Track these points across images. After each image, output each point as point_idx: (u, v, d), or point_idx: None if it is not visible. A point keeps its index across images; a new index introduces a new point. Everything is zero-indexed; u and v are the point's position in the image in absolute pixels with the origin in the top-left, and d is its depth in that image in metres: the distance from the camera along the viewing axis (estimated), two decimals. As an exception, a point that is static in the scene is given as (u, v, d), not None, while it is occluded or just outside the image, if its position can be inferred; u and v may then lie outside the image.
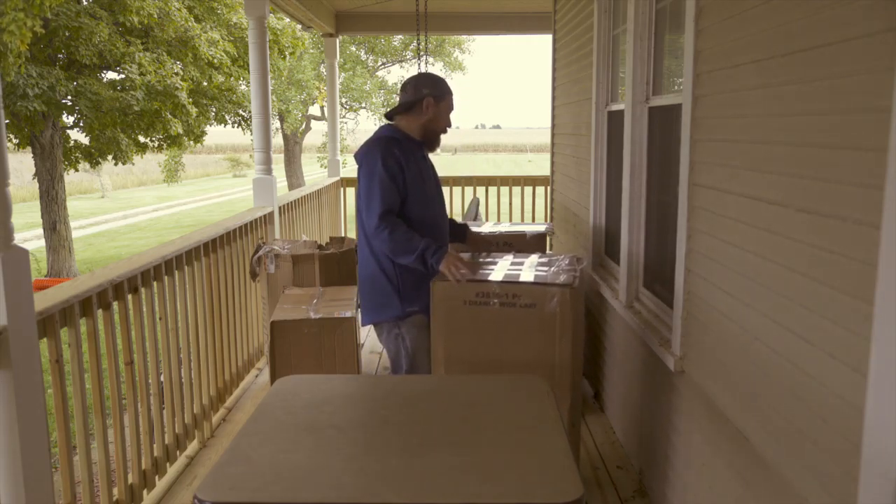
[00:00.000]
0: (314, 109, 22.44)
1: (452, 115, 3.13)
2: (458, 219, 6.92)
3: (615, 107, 3.85)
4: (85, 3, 10.96)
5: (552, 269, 2.99)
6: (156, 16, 10.85)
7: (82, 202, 25.73)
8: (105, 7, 10.88)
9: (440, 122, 3.05)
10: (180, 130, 11.65)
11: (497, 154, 67.30)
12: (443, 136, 3.13)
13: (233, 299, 4.26)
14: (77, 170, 13.09)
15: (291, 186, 21.67)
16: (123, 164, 12.28)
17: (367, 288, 3.04)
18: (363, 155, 2.97)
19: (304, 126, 22.56)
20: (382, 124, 3.11)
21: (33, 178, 12.09)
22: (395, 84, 23.74)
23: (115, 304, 2.85)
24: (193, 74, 11.97)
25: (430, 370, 2.99)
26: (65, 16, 10.13)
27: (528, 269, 3.02)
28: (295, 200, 6.04)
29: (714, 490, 2.31)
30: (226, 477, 1.56)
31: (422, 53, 6.36)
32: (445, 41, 22.74)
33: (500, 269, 3.04)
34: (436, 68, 23.36)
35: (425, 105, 3.00)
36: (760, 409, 1.94)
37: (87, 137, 11.71)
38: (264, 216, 5.07)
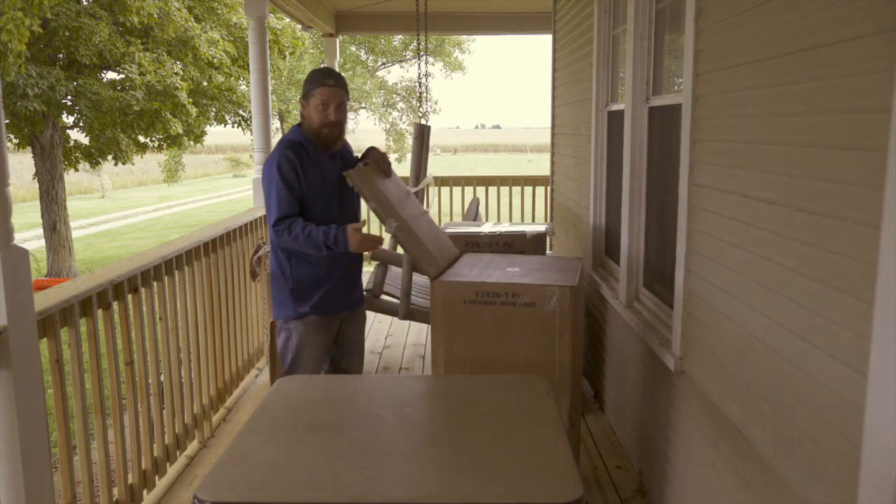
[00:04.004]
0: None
1: (345, 109, 2.94)
2: (459, 219, 6.91)
3: (615, 107, 3.86)
4: (85, 3, 10.96)
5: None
6: (156, 16, 10.85)
7: (82, 202, 25.73)
8: (105, 7, 10.89)
9: (313, 120, 2.92)
10: (180, 130, 11.66)
11: (497, 154, 67.31)
12: (329, 131, 2.91)
13: (233, 299, 4.25)
14: (77, 170, 13.10)
15: (291, 186, 21.63)
16: (123, 164, 12.29)
17: (273, 284, 3.08)
18: (268, 157, 2.99)
19: (304, 126, 22.54)
20: (295, 124, 3.09)
21: (33, 178, 12.10)
22: (395, 84, 23.76)
23: (115, 304, 2.84)
24: (193, 74, 11.97)
25: (313, 368, 3.03)
26: (65, 16, 10.13)
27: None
28: (295, 200, 6.02)
29: (714, 490, 2.31)
30: (226, 477, 1.56)
31: (422, 53, 6.35)
32: (445, 41, 22.75)
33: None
34: (436, 68, 23.38)
35: (301, 107, 2.97)
36: (760, 409, 1.94)
37: (87, 137, 11.72)
38: (264, 216, 5.07)
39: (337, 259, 2.96)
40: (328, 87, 2.89)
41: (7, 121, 10.34)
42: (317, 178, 2.92)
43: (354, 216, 3.09)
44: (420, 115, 6.36)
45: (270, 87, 5.01)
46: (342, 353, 3.21)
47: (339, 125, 2.95)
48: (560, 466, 1.58)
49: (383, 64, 24.05)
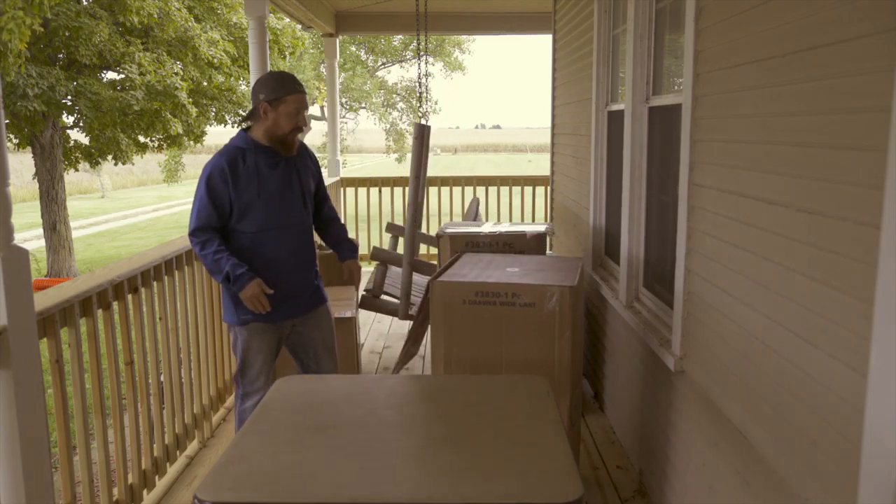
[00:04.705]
0: (314, 109, 22.45)
1: (309, 113, 2.99)
2: (459, 219, 6.91)
3: (615, 107, 3.86)
4: (85, 3, 10.96)
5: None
6: (156, 16, 10.84)
7: (82, 202, 25.72)
8: (105, 7, 10.88)
9: (281, 126, 2.91)
10: (180, 130, 11.65)
11: (497, 154, 67.33)
12: (294, 136, 2.96)
13: (233, 299, 4.25)
14: (77, 170, 13.09)
15: (291, 186, 21.59)
16: (123, 164, 12.28)
17: (222, 288, 3.07)
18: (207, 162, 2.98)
19: (304, 126, 22.51)
20: (240, 129, 3.05)
21: (33, 178, 12.09)
22: (395, 84, 23.76)
23: (115, 304, 2.85)
24: (193, 74, 11.97)
25: (262, 368, 3.02)
26: (65, 16, 10.13)
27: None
28: (295, 200, 6.02)
29: (714, 490, 2.31)
30: (226, 477, 1.56)
31: (422, 53, 6.36)
32: (445, 41, 22.74)
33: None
34: (436, 68, 23.38)
35: (262, 111, 2.92)
36: (760, 409, 1.95)
37: (87, 137, 11.71)
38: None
39: (277, 270, 2.91)
40: (300, 93, 2.94)
41: (7, 121, 10.33)
42: (249, 185, 2.88)
43: (300, 225, 3.03)
44: (420, 115, 6.36)
45: (270, 87, 4.99)
46: (308, 356, 3.15)
47: (302, 129, 3.00)
48: (560, 466, 1.58)
49: (383, 64, 24.04)
